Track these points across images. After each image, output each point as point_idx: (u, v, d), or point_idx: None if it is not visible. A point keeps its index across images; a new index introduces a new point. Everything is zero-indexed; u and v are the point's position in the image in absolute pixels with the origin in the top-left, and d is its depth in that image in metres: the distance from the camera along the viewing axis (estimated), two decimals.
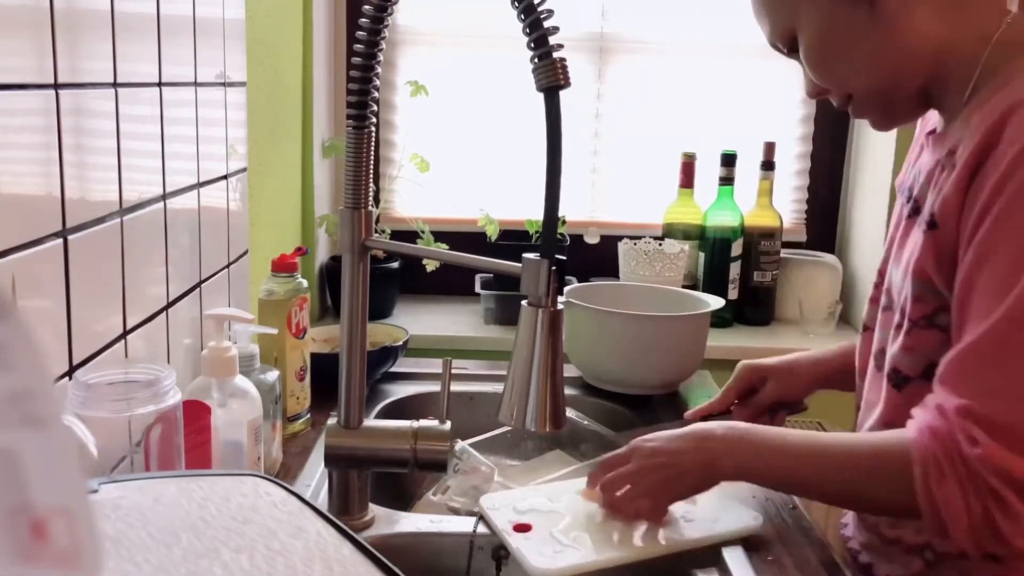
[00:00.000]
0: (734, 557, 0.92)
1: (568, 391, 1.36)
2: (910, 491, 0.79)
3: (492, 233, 1.85)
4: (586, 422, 1.29)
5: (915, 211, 0.89)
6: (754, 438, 0.90)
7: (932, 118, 0.95)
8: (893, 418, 0.89)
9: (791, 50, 0.92)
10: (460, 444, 1.09)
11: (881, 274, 0.98)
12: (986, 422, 0.76)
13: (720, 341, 1.81)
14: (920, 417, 0.81)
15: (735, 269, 1.94)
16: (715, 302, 1.43)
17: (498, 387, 1.38)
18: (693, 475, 0.92)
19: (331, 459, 0.95)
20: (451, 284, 2.02)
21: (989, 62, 0.83)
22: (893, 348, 0.90)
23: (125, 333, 0.88)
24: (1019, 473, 0.75)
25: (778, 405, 1.17)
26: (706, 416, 1.17)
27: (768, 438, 0.90)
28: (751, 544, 0.94)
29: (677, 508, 0.97)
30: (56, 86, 0.74)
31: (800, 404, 1.20)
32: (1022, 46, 0.83)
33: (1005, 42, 0.83)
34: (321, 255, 1.88)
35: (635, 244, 1.87)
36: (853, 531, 1.01)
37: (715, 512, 0.97)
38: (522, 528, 0.92)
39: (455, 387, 1.32)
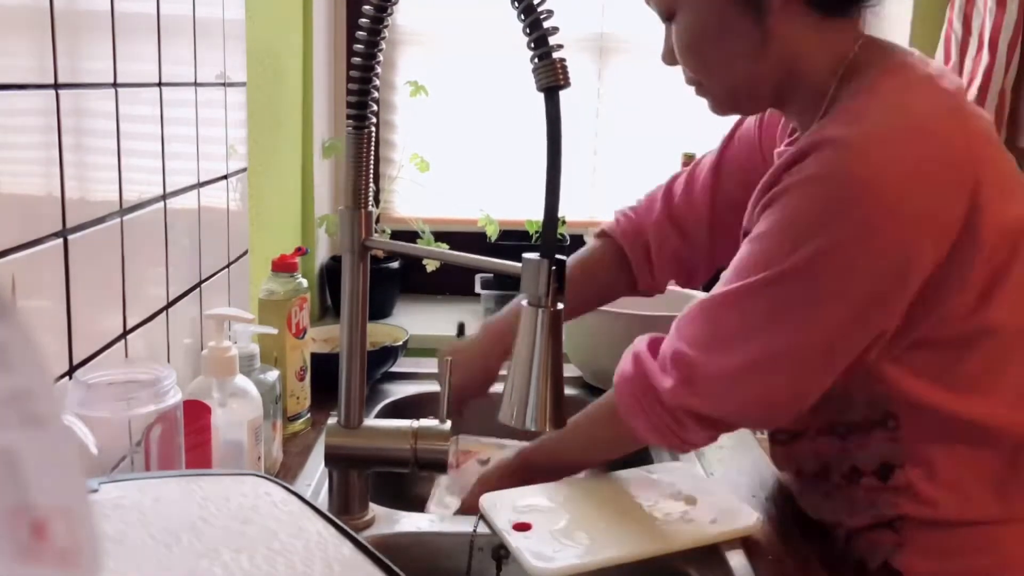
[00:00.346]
0: (734, 557, 0.92)
1: (568, 391, 1.36)
2: (614, 423, 0.94)
3: (492, 233, 1.85)
4: None
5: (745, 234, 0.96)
6: (553, 451, 1.04)
7: None
8: None
9: (665, 18, 0.95)
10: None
11: None
12: (683, 363, 0.87)
13: None
14: (623, 363, 0.96)
15: None
16: None
17: (498, 387, 1.38)
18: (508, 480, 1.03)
19: (331, 459, 0.95)
20: (451, 284, 2.02)
21: (843, 79, 0.87)
22: None
23: (125, 333, 0.88)
24: (700, 409, 0.87)
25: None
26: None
27: (557, 448, 1.04)
28: (751, 544, 0.94)
29: (677, 508, 0.97)
30: (56, 86, 0.74)
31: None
32: (860, 71, 0.86)
33: (849, 71, 0.87)
34: (321, 255, 1.88)
35: None
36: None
37: (714, 512, 0.97)
38: (522, 527, 0.92)
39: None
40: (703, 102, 1.00)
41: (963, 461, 0.87)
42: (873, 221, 0.80)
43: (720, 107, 0.98)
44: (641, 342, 0.96)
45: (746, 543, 0.94)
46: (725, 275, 0.89)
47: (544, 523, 0.93)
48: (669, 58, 0.97)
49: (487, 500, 0.97)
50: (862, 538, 0.93)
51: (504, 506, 0.96)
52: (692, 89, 0.97)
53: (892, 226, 0.80)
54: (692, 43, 0.92)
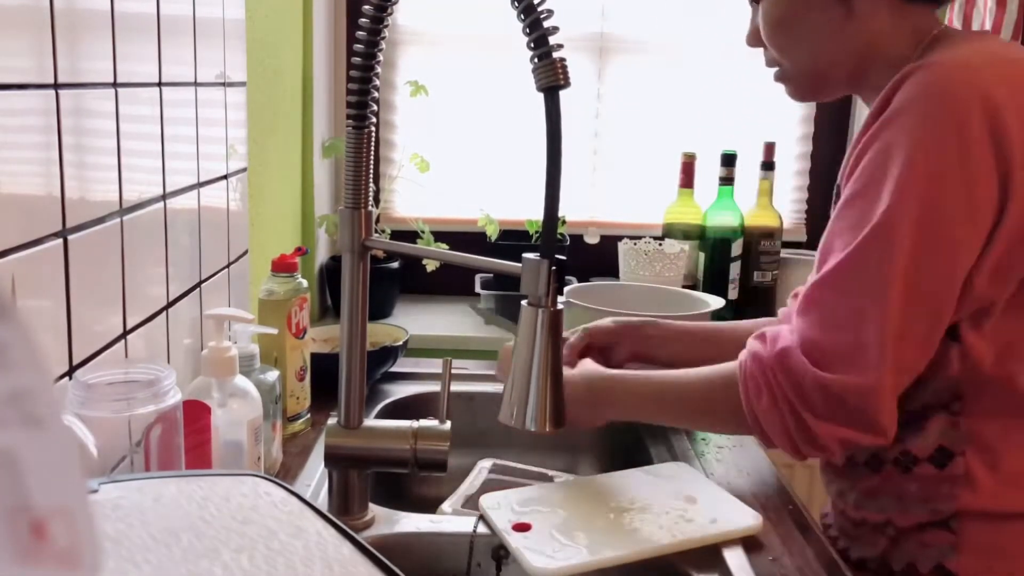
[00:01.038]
0: (734, 557, 0.92)
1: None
2: (735, 409, 0.92)
3: (492, 233, 1.85)
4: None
5: (837, 194, 0.97)
6: (630, 381, 1.02)
7: None
8: None
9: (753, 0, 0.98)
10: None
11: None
12: (808, 344, 0.86)
13: None
14: (750, 345, 0.93)
15: (735, 269, 1.94)
16: (715, 302, 1.43)
17: (498, 387, 1.38)
18: (590, 409, 1.03)
19: (331, 459, 0.95)
20: (451, 284, 2.02)
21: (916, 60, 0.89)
22: None
23: (125, 333, 0.88)
24: (829, 383, 0.85)
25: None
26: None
27: (640, 381, 1.02)
28: (751, 544, 0.94)
29: (676, 508, 0.97)
30: (56, 86, 0.74)
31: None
32: (938, 43, 0.90)
33: (929, 47, 0.90)
34: (321, 255, 1.88)
35: (635, 244, 1.87)
36: (832, 519, 1.04)
37: (714, 512, 0.97)
38: (522, 527, 0.92)
39: (455, 387, 1.32)
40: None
41: (1020, 447, 0.85)
42: (967, 133, 0.80)
43: (799, 90, 0.99)
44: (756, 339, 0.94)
45: (746, 543, 0.94)
46: (824, 247, 0.90)
47: (544, 523, 0.93)
48: (753, 39, 1.00)
49: (487, 501, 0.96)
50: (913, 539, 0.91)
51: (504, 506, 0.96)
52: (773, 75, 1.00)
53: (987, 140, 0.80)
54: (779, 20, 0.95)
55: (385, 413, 1.33)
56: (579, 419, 1.02)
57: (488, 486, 1.15)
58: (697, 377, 0.99)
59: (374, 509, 0.99)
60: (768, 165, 1.95)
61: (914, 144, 0.81)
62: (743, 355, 0.93)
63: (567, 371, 1.04)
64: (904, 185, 0.81)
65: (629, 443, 1.28)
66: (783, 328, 0.91)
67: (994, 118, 0.80)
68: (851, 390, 0.84)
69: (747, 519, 0.96)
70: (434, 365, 1.48)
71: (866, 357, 0.83)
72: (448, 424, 0.94)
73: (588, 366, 1.07)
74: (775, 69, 0.99)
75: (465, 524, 0.96)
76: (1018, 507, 0.86)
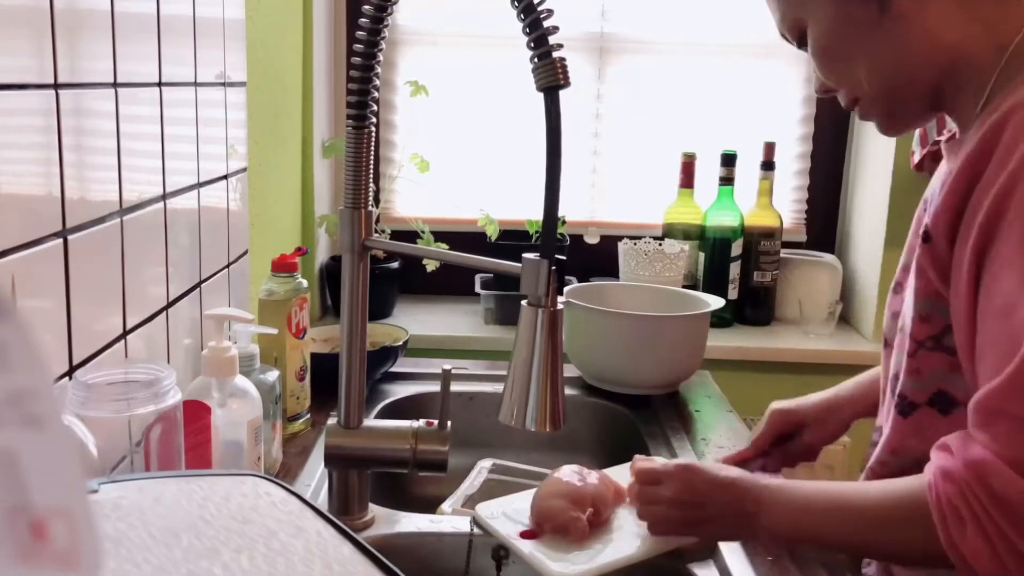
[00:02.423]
0: (734, 557, 0.92)
1: (568, 391, 1.36)
2: (928, 538, 0.74)
3: (492, 233, 1.85)
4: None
5: (925, 237, 0.85)
6: (793, 497, 0.85)
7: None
8: (897, 446, 0.87)
9: (800, 43, 0.89)
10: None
11: (901, 285, 0.93)
12: (1011, 461, 0.70)
13: (720, 341, 1.81)
14: (937, 460, 0.76)
15: (735, 269, 1.94)
16: (715, 302, 1.43)
17: (498, 387, 1.38)
18: (728, 527, 0.87)
19: (331, 459, 0.95)
20: (451, 284, 2.02)
21: (1004, 71, 0.79)
22: (902, 372, 0.87)
23: (125, 333, 0.88)
24: None
25: (815, 447, 1.11)
26: (739, 462, 1.09)
27: (805, 498, 0.85)
28: (751, 544, 0.94)
29: None
30: (56, 86, 0.74)
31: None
32: None
33: (1021, 52, 0.79)
34: (321, 255, 1.88)
35: (635, 244, 1.88)
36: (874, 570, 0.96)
37: None
38: (529, 535, 0.91)
39: (455, 387, 1.32)
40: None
41: None
42: None
43: (883, 120, 0.89)
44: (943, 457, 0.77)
45: (746, 543, 0.94)
46: (982, 325, 0.75)
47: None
48: (821, 88, 0.91)
49: (484, 510, 0.95)
50: None
51: (501, 515, 0.95)
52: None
53: None
54: (826, 54, 0.86)
55: (385, 413, 1.33)
56: (714, 534, 0.89)
57: (488, 486, 1.15)
58: (883, 491, 0.82)
59: (374, 509, 0.99)
60: (768, 165, 1.95)
61: None
62: (930, 474, 0.76)
63: (719, 470, 0.89)
64: None
65: (629, 442, 1.29)
66: (966, 438, 0.75)
67: None
68: None
69: None
70: (434, 365, 1.48)
71: None
72: (448, 428, 0.94)
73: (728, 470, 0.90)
74: (856, 110, 0.89)
75: (465, 524, 0.96)
76: None
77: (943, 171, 0.86)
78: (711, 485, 0.87)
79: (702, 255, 1.95)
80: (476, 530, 0.94)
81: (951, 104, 0.85)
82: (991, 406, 0.72)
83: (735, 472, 0.88)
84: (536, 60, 0.74)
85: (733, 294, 1.94)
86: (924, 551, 0.77)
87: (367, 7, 0.84)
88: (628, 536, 0.91)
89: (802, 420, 1.10)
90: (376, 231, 0.97)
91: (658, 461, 0.94)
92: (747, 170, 1.96)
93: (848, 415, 1.09)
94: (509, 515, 0.95)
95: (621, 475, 1.04)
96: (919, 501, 0.76)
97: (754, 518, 0.84)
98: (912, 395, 0.85)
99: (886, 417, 0.90)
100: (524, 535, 0.91)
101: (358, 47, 0.85)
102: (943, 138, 0.90)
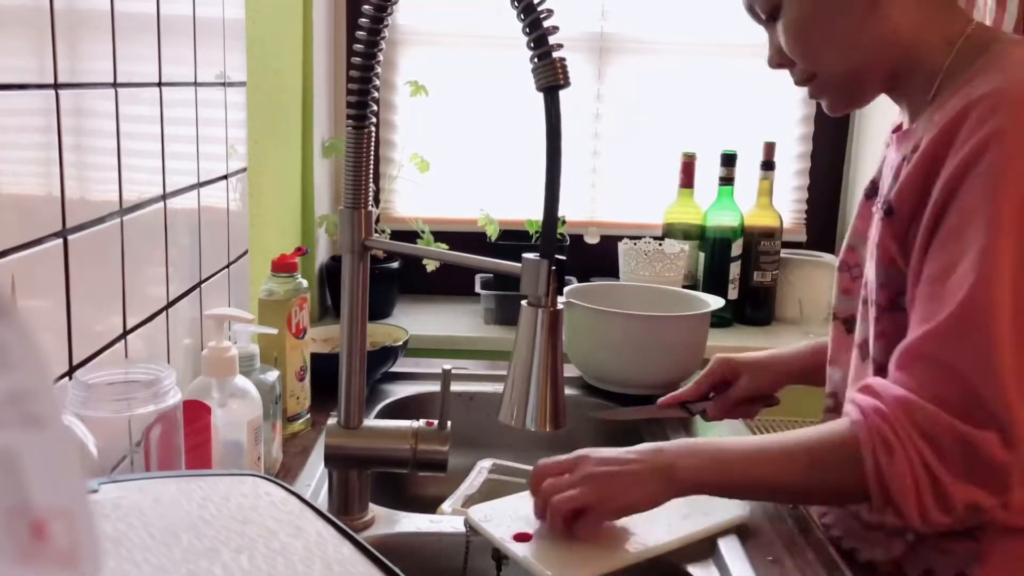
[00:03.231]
0: (734, 557, 0.92)
1: (568, 391, 1.36)
2: (859, 474, 0.80)
3: (492, 233, 1.85)
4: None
5: (883, 201, 0.92)
6: (708, 445, 0.90)
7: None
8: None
9: (769, 18, 0.94)
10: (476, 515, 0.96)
11: (847, 264, 1.03)
12: (935, 400, 0.78)
13: (720, 341, 1.81)
14: (865, 400, 0.83)
15: (735, 269, 1.94)
16: (715, 302, 1.43)
17: (498, 387, 1.38)
18: (649, 483, 0.87)
19: (331, 459, 0.95)
20: (451, 284, 2.02)
21: (953, 64, 0.88)
22: (871, 338, 0.93)
23: (125, 333, 0.88)
24: (972, 438, 0.77)
25: (751, 399, 1.20)
26: (681, 403, 1.22)
27: (722, 445, 0.90)
28: (751, 544, 0.94)
29: (670, 504, 0.96)
30: (56, 86, 0.74)
31: (773, 398, 1.22)
32: (981, 48, 0.87)
33: (967, 47, 0.88)
34: (321, 255, 1.88)
35: (635, 244, 1.87)
36: (834, 519, 1.01)
37: (706, 505, 0.96)
38: (522, 537, 0.91)
39: (455, 387, 1.32)
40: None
41: None
42: None
43: (836, 99, 0.96)
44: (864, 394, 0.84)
45: (746, 543, 0.94)
46: (922, 288, 0.83)
47: (543, 531, 0.92)
48: (777, 57, 0.96)
49: (476, 513, 0.94)
50: (933, 546, 0.88)
51: (493, 518, 0.94)
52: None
53: None
54: (802, 31, 0.91)
55: (385, 413, 1.33)
56: (640, 496, 0.88)
57: (488, 486, 1.15)
58: (809, 433, 0.87)
59: (374, 509, 0.99)
60: (768, 165, 1.95)
61: (1013, 185, 0.79)
62: (857, 409, 0.83)
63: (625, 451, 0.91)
64: (1006, 226, 0.78)
65: (629, 442, 1.28)
66: (888, 381, 0.83)
67: None
68: (992, 448, 0.77)
69: (734, 509, 0.96)
70: (434, 365, 1.48)
71: (1011, 415, 0.77)
72: (448, 427, 0.94)
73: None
74: (807, 87, 0.95)
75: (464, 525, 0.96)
76: None
77: (892, 159, 0.93)
78: (620, 453, 0.90)
79: (702, 255, 1.95)
80: (470, 532, 0.94)
81: (902, 90, 0.93)
82: (912, 351, 0.81)
83: (633, 447, 0.92)
84: (536, 60, 0.74)
85: (733, 294, 1.94)
86: (846, 483, 0.83)
87: (367, 7, 0.84)
88: (624, 539, 0.91)
89: (739, 368, 1.19)
90: (376, 231, 0.97)
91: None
92: (747, 170, 1.96)
93: (780, 371, 1.19)
94: (503, 517, 0.94)
95: None
96: (845, 435, 0.82)
97: (672, 469, 0.87)
98: (880, 357, 0.91)
99: (851, 385, 0.97)
100: (517, 538, 0.90)
101: (358, 47, 0.85)
102: (892, 129, 0.99)
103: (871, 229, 0.94)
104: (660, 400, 1.23)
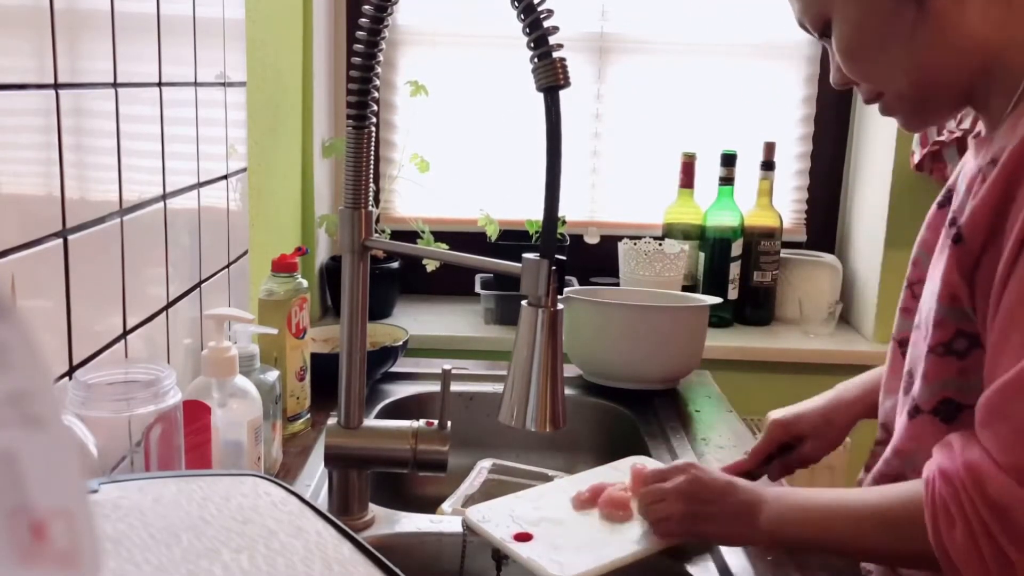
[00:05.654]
0: (734, 557, 0.92)
1: (568, 391, 1.36)
2: (923, 537, 0.75)
3: (492, 233, 1.85)
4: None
5: (952, 222, 0.81)
6: (792, 495, 0.87)
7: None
8: (903, 447, 0.86)
9: (822, 35, 0.86)
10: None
11: (910, 280, 0.92)
12: (1009, 467, 0.70)
13: (720, 341, 1.81)
14: (937, 460, 0.76)
15: (735, 269, 1.94)
16: (713, 300, 1.44)
17: (498, 387, 1.38)
18: (727, 519, 0.87)
19: (331, 459, 0.95)
20: (451, 284, 2.02)
21: None
22: (917, 374, 0.85)
23: (125, 333, 0.88)
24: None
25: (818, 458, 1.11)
26: (738, 473, 1.06)
27: (805, 496, 0.87)
28: (751, 544, 0.94)
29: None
30: (56, 86, 0.74)
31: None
32: None
33: None
34: (321, 255, 1.88)
35: (635, 244, 1.88)
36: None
37: None
38: (523, 537, 0.90)
39: (455, 387, 1.32)
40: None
41: None
42: None
43: (910, 118, 0.87)
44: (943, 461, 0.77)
45: (745, 546, 0.94)
46: (1004, 333, 0.73)
47: (544, 531, 0.92)
48: (839, 77, 0.88)
49: (474, 514, 0.94)
50: None
51: (492, 518, 0.94)
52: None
53: None
54: (855, 51, 0.83)
55: (385, 413, 1.33)
56: (721, 536, 0.88)
57: (488, 486, 1.15)
58: (885, 493, 0.82)
59: (374, 509, 0.99)
60: (768, 165, 1.95)
61: None
62: (928, 473, 0.77)
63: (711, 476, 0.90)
64: None
65: (629, 442, 1.29)
66: (969, 437, 0.75)
67: None
68: None
69: None
70: (434, 365, 1.48)
71: None
72: (448, 427, 0.94)
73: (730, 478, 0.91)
74: (878, 105, 0.87)
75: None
76: None
77: (970, 168, 0.83)
78: (714, 481, 0.88)
79: (702, 255, 1.95)
80: (468, 533, 0.93)
81: (982, 102, 0.84)
82: (996, 404, 0.72)
83: (734, 477, 0.90)
84: (536, 60, 0.74)
85: (733, 294, 1.94)
86: (919, 551, 0.76)
87: (367, 7, 0.84)
88: (624, 537, 0.91)
89: (802, 432, 1.08)
90: (376, 231, 0.97)
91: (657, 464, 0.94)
92: (747, 170, 1.96)
93: (847, 422, 1.08)
94: (501, 517, 0.94)
95: (606, 475, 1.03)
96: (915, 500, 0.76)
97: (754, 517, 0.85)
98: (920, 400, 0.84)
99: (897, 416, 0.90)
100: (518, 537, 0.90)
101: (358, 47, 0.85)
102: (946, 136, 0.90)
103: (936, 251, 0.85)
104: (722, 468, 1.09)
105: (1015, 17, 0.79)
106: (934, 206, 0.90)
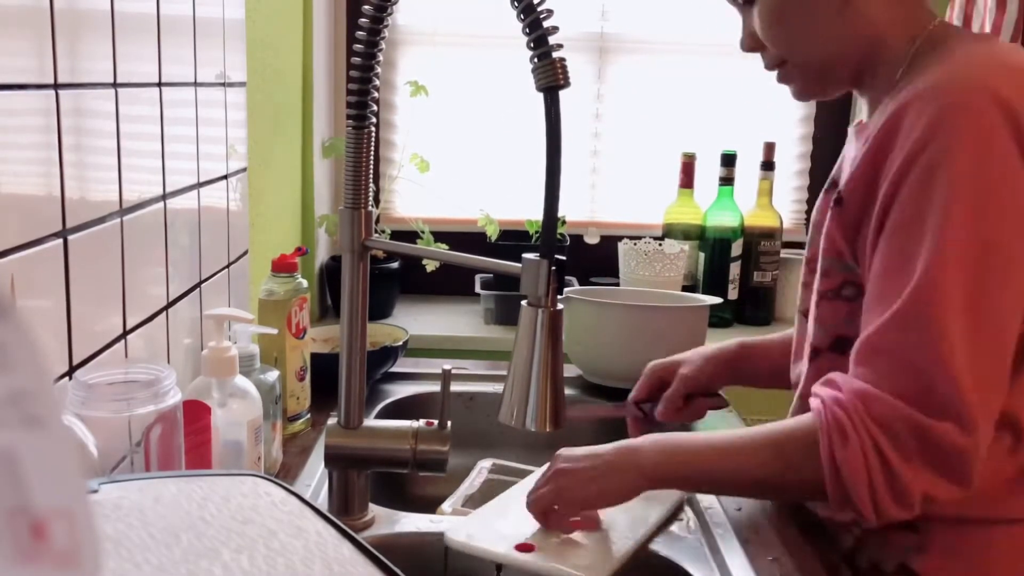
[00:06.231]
0: (734, 557, 0.92)
1: (568, 391, 1.36)
2: (820, 465, 0.82)
3: (492, 233, 1.85)
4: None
5: (834, 187, 0.94)
6: (677, 439, 0.93)
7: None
8: (805, 392, 0.94)
9: (745, 2, 0.95)
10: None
11: (807, 258, 1.02)
12: (893, 392, 0.80)
13: (720, 341, 1.81)
14: (825, 392, 0.85)
15: (735, 269, 1.94)
16: (713, 301, 1.44)
17: (498, 387, 1.38)
18: (614, 476, 0.90)
19: (331, 459, 0.95)
20: (451, 284, 2.02)
21: (912, 60, 0.89)
22: (811, 321, 0.95)
23: (125, 333, 0.88)
24: (928, 427, 0.78)
25: (693, 394, 1.16)
26: (636, 403, 1.19)
27: (691, 439, 0.93)
28: (751, 544, 0.94)
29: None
30: (56, 86, 0.74)
31: (718, 397, 1.19)
32: (938, 44, 0.88)
33: (927, 43, 0.89)
34: (321, 255, 1.88)
35: (635, 244, 1.87)
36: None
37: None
38: (525, 548, 0.89)
39: (455, 387, 1.32)
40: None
41: (993, 455, 0.83)
42: (1000, 152, 0.79)
43: (805, 87, 0.97)
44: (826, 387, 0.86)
45: (746, 543, 0.94)
46: (875, 282, 0.85)
47: (541, 539, 0.91)
48: (750, 41, 0.97)
49: (456, 534, 0.91)
50: (877, 538, 0.91)
51: (483, 535, 0.92)
52: (773, 76, 0.99)
53: (1017, 153, 0.79)
54: (778, 18, 0.93)
55: (385, 413, 1.33)
56: (603, 489, 0.90)
57: (488, 486, 1.15)
58: (774, 427, 0.89)
59: (374, 509, 0.99)
60: (768, 165, 1.95)
61: (955, 177, 0.80)
62: (818, 401, 0.85)
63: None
64: (954, 218, 0.80)
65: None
66: (849, 374, 0.85)
67: (1017, 130, 0.80)
68: (951, 436, 0.78)
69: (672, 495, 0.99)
70: (434, 365, 1.48)
71: (965, 403, 0.78)
72: (448, 427, 0.94)
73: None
74: (777, 71, 0.97)
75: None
76: (988, 513, 0.86)
77: (850, 153, 0.95)
78: (580, 449, 0.93)
79: (702, 255, 1.95)
80: (458, 548, 0.91)
81: (868, 84, 0.95)
82: (874, 343, 0.82)
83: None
84: (536, 60, 0.74)
85: (733, 294, 1.94)
86: (807, 478, 0.84)
87: (367, 7, 0.84)
88: (615, 535, 0.92)
89: (676, 363, 1.17)
90: (376, 231, 0.97)
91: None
92: (747, 170, 1.96)
93: (710, 358, 1.15)
94: (488, 532, 0.92)
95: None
96: (807, 428, 0.84)
97: (635, 461, 0.90)
98: (817, 341, 0.95)
99: (803, 369, 0.98)
100: (520, 548, 0.89)
101: (358, 47, 0.85)
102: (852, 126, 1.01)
103: (824, 217, 0.95)
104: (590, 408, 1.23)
105: (900, 13, 0.91)
106: (822, 193, 1.00)
